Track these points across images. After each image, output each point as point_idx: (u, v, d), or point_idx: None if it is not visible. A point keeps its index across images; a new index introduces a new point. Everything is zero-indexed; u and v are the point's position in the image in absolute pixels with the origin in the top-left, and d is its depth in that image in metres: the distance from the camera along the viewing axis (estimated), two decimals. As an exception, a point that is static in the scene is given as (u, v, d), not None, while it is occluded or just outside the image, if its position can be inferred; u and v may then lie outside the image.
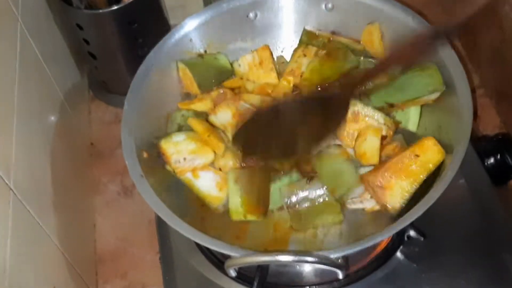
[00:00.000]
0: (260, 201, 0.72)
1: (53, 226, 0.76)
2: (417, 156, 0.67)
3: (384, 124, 0.70)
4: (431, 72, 0.72)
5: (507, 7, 0.95)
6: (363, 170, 0.72)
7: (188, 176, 0.73)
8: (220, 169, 0.75)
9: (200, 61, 0.82)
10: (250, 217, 0.70)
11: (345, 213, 0.72)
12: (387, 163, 0.68)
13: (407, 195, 0.66)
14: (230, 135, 0.75)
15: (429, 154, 0.67)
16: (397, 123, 0.74)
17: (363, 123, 0.71)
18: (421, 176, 0.66)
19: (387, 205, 0.66)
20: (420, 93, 0.73)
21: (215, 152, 0.74)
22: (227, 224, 0.74)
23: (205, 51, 0.83)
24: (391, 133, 0.71)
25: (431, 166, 0.66)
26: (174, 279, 0.76)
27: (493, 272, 0.72)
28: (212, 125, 0.76)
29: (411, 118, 0.77)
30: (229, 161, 0.75)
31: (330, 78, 0.77)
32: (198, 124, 0.75)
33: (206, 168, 0.73)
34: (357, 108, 0.71)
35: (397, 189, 0.66)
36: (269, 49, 0.83)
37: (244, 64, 0.83)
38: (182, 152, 0.72)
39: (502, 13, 0.97)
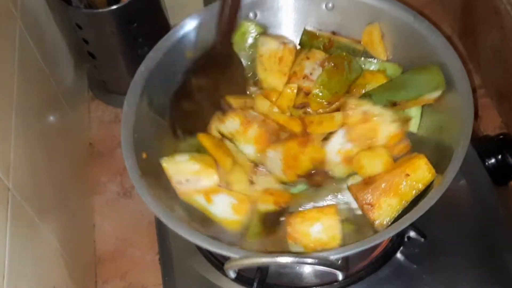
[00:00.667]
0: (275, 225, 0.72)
1: (52, 226, 0.76)
2: (408, 175, 0.66)
3: (395, 121, 0.70)
4: (432, 70, 0.72)
5: (508, 7, 0.95)
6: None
7: (200, 201, 0.69)
8: (230, 188, 0.72)
9: None
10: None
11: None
12: (377, 180, 0.67)
13: (395, 214, 0.66)
14: (239, 143, 0.74)
15: (419, 173, 0.66)
16: (407, 118, 0.73)
17: (375, 122, 0.70)
18: (410, 195, 0.66)
19: (374, 221, 0.66)
20: (423, 91, 0.72)
21: (217, 174, 0.70)
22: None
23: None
24: (404, 130, 0.71)
25: (421, 186, 0.66)
26: (173, 280, 0.76)
27: (493, 272, 0.72)
28: (221, 135, 0.75)
29: (412, 119, 0.77)
30: (237, 177, 0.72)
31: (339, 92, 0.76)
32: (206, 140, 0.73)
33: (217, 191, 0.70)
34: (366, 107, 0.70)
35: (385, 207, 0.66)
36: (296, 54, 0.81)
37: (268, 46, 0.80)
38: (184, 173, 0.69)
39: (503, 13, 0.96)
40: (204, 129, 0.76)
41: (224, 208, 0.69)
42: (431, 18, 0.76)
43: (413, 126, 0.76)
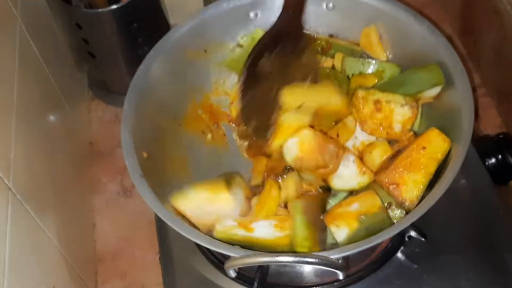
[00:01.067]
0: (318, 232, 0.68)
1: (52, 226, 0.76)
2: (424, 148, 0.66)
3: (406, 104, 0.70)
4: (431, 68, 0.73)
5: (507, 6, 0.95)
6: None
7: (242, 234, 0.66)
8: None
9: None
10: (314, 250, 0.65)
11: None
12: (396, 160, 0.67)
13: (421, 187, 0.66)
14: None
15: (435, 144, 0.66)
16: (417, 99, 0.73)
17: (387, 109, 0.70)
18: (432, 167, 0.66)
19: (405, 201, 0.66)
20: (422, 87, 0.73)
21: (230, 193, 0.67)
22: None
23: (205, 50, 0.83)
24: (416, 111, 0.71)
25: (440, 156, 0.66)
26: (173, 279, 0.76)
27: (493, 272, 0.72)
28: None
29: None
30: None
31: (341, 110, 0.76)
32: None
33: (253, 220, 0.67)
34: (377, 96, 0.70)
35: (411, 183, 0.66)
36: None
37: None
38: (197, 204, 0.66)
39: (503, 11, 0.96)
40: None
41: (268, 230, 0.67)
42: (431, 18, 0.76)
43: (414, 126, 0.77)
